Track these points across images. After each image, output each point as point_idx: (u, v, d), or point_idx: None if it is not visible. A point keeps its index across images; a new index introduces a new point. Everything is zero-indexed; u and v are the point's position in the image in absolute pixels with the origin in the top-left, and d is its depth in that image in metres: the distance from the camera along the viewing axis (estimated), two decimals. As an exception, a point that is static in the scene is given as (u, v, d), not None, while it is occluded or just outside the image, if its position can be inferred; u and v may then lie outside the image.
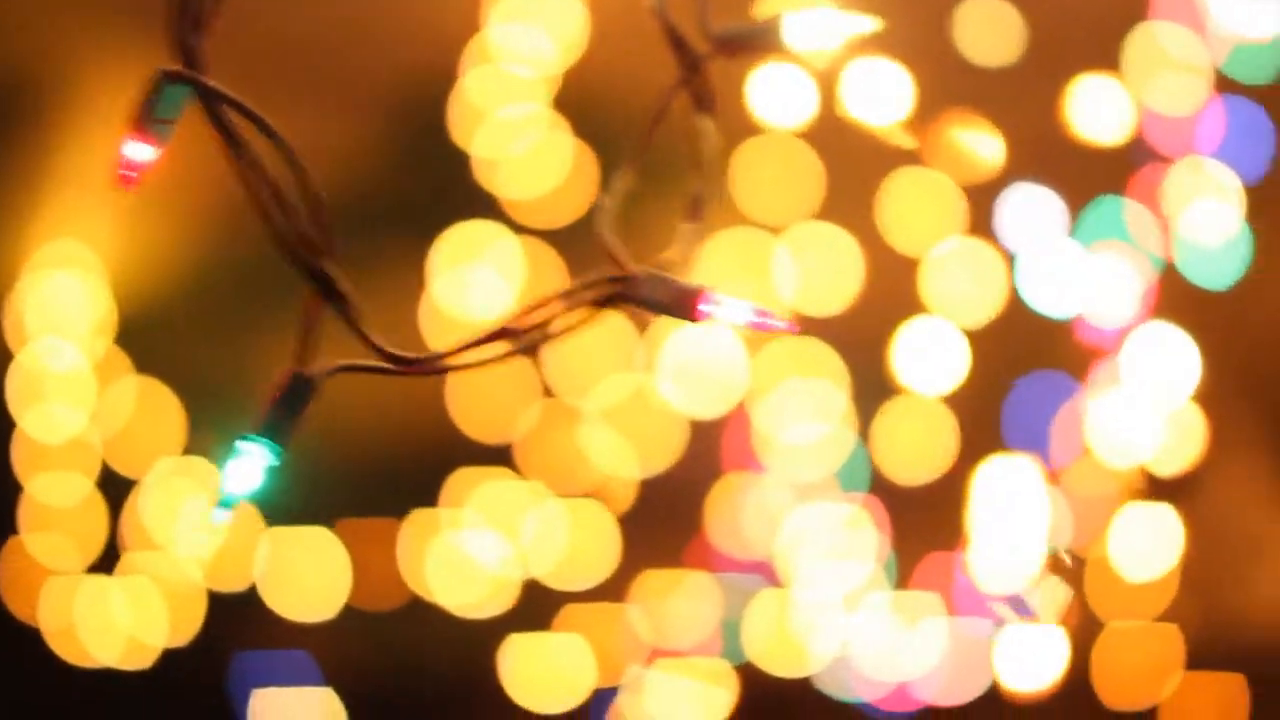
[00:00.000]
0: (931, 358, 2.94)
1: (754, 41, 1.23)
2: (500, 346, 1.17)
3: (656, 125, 1.21)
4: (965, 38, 2.85)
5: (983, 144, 2.89)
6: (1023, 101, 2.89)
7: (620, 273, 1.18)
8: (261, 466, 1.10)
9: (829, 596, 2.95)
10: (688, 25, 1.20)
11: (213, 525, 1.10)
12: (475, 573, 2.94)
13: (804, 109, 2.79)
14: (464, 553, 2.94)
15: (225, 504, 1.10)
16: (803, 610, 2.95)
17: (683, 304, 1.16)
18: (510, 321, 1.16)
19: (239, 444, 1.10)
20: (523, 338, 1.16)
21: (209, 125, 1.10)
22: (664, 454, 2.95)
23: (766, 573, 2.96)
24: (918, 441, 2.96)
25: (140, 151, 1.11)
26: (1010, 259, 2.94)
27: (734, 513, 2.96)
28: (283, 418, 1.11)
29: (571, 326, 1.17)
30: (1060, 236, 2.93)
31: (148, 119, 1.10)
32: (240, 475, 1.10)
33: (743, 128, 2.82)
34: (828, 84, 2.80)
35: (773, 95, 2.79)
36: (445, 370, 1.15)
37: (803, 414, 2.97)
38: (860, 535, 2.96)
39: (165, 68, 1.09)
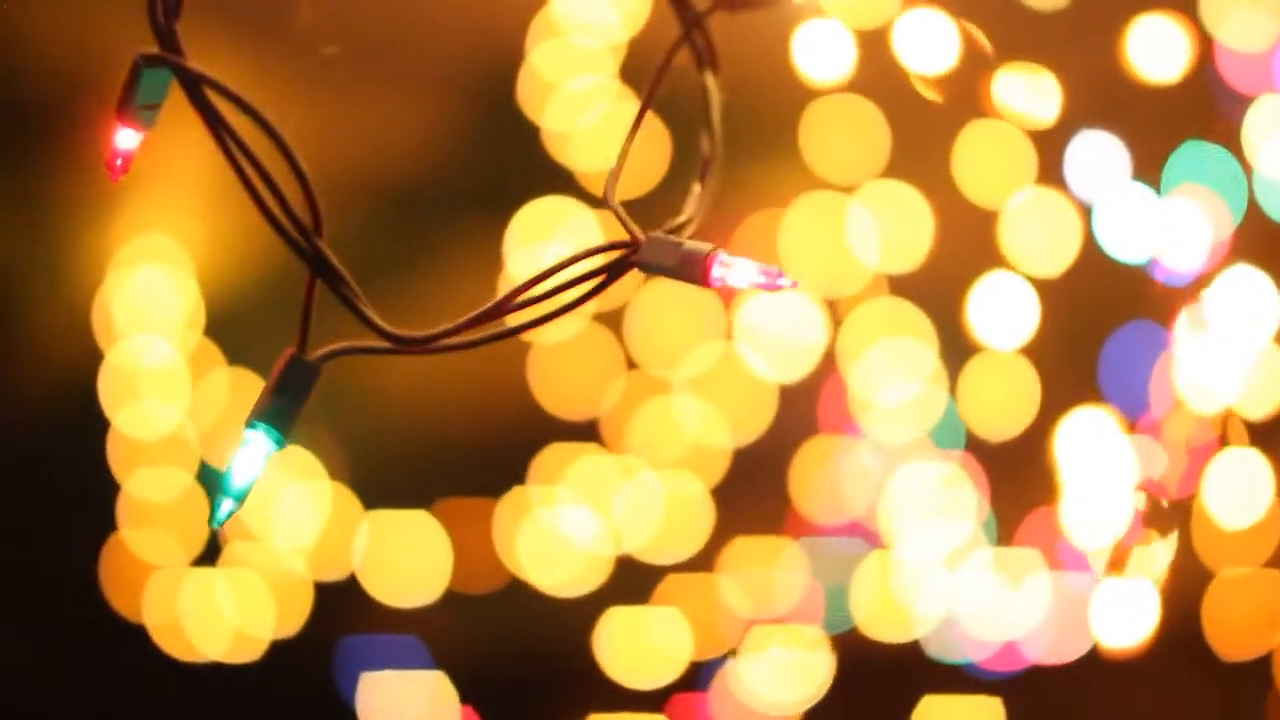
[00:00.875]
0: (1009, 311, 2.90)
1: (756, -9, 1.20)
2: (507, 321, 1.14)
3: (658, 85, 1.19)
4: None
5: (1043, 91, 2.85)
6: (1083, 44, 2.85)
7: (627, 239, 1.15)
8: (264, 455, 1.09)
9: (931, 557, 2.92)
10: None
11: (215, 523, 1.08)
12: (569, 551, 2.93)
13: (846, 65, 2.76)
14: (557, 531, 2.93)
15: (231, 495, 1.09)
16: (905, 572, 2.92)
17: (691, 267, 1.14)
18: (516, 295, 1.14)
19: (244, 432, 1.09)
20: (529, 309, 1.14)
21: (191, 106, 1.09)
22: (755, 422, 2.93)
23: (866, 536, 2.93)
24: (1002, 397, 2.92)
25: (127, 139, 1.11)
26: (1084, 208, 2.89)
27: (830, 477, 2.93)
28: (284, 403, 1.09)
29: (581, 297, 1.14)
30: (1131, 182, 2.89)
31: (130, 105, 1.09)
32: (244, 464, 1.09)
33: (801, 92, 2.79)
34: (878, 39, 2.76)
35: (817, 54, 2.76)
36: (449, 349, 1.14)
37: (894, 374, 2.94)
38: (958, 494, 2.93)
39: (142, 52, 1.08)
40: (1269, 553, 2.93)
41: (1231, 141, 2.89)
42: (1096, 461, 2.88)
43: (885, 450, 2.93)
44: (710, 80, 1.18)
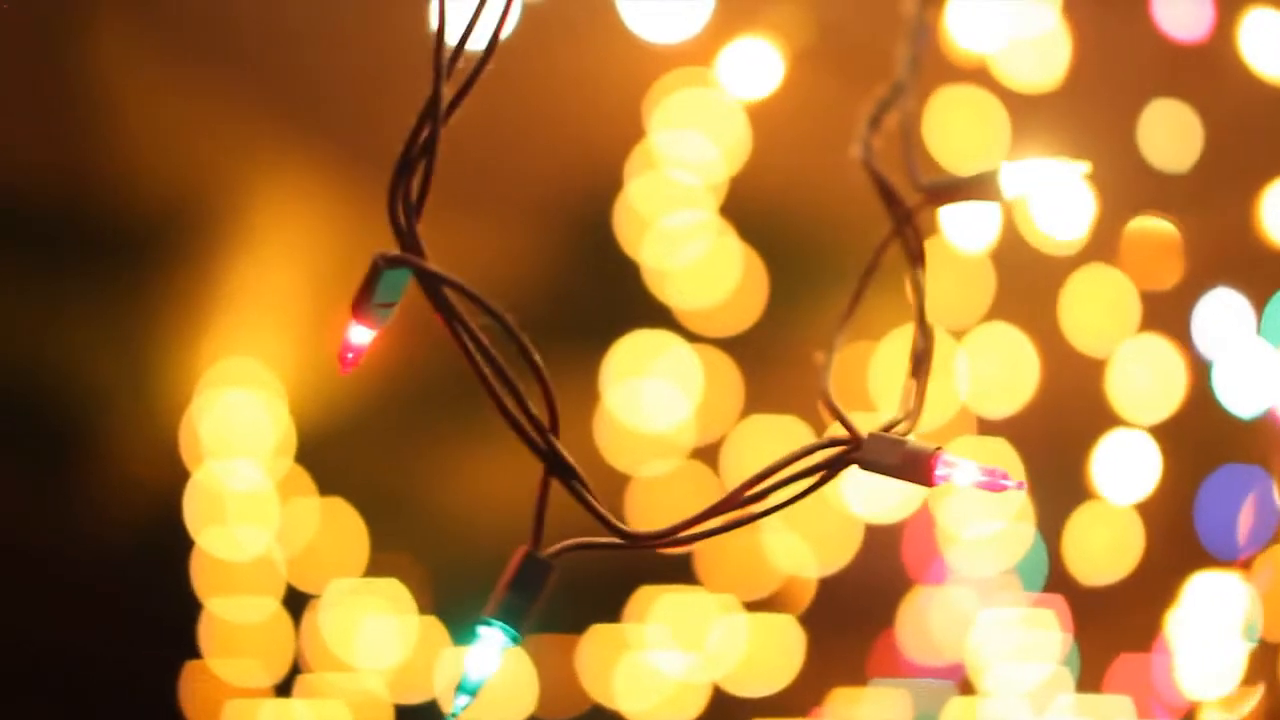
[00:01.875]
0: (1122, 463, 2.91)
1: (968, 192, 1.22)
2: (730, 516, 1.15)
3: (868, 280, 1.20)
4: (1149, 143, 2.83)
5: (1168, 248, 2.87)
6: (1207, 205, 2.86)
7: (846, 436, 1.16)
8: (499, 650, 1.10)
9: (1016, 699, 2.91)
10: (897, 177, 1.19)
11: (454, 715, 1.09)
12: (659, 682, 2.93)
13: (988, 231, 2.78)
14: (647, 663, 2.93)
15: (467, 690, 1.10)
16: (992, 713, 2.91)
17: (915, 467, 1.14)
18: (739, 491, 1.15)
19: (478, 629, 1.10)
20: (752, 506, 1.15)
21: (431, 307, 1.10)
22: (844, 556, 2.93)
23: (955, 676, 2.93)
24: (1107, 544, 2.92)
25: (361, 335, 1.11)
26: (1201, 361, 2.90)
27: (919, 614, 2.93)
28: (518, 600, 1.10)
29: (803, 492, 1.15)
30: (1251, 337, 2.90)
31: (368, 304, 1.10)
32: (479, 660, 1.09)
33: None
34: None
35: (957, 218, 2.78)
36: (676, 544, 1.15)
37: (983, 512, 2.94)
38: (1043, 634, 2.92)
39: (383, 253, 1.09)
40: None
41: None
42: (1207, 612, 2.88)
43: (972, 588, 2.93)
44: (919, 276, 1.19)
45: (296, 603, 2.93)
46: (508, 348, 1.12)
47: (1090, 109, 2.71)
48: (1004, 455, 2.94)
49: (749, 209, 2.91)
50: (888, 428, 1.17)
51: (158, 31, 2.90)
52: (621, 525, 1.13)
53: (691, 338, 2.91)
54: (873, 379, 2.94)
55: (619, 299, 2.93)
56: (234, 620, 2.93)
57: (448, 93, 1.11)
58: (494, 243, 2.93)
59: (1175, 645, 2.89)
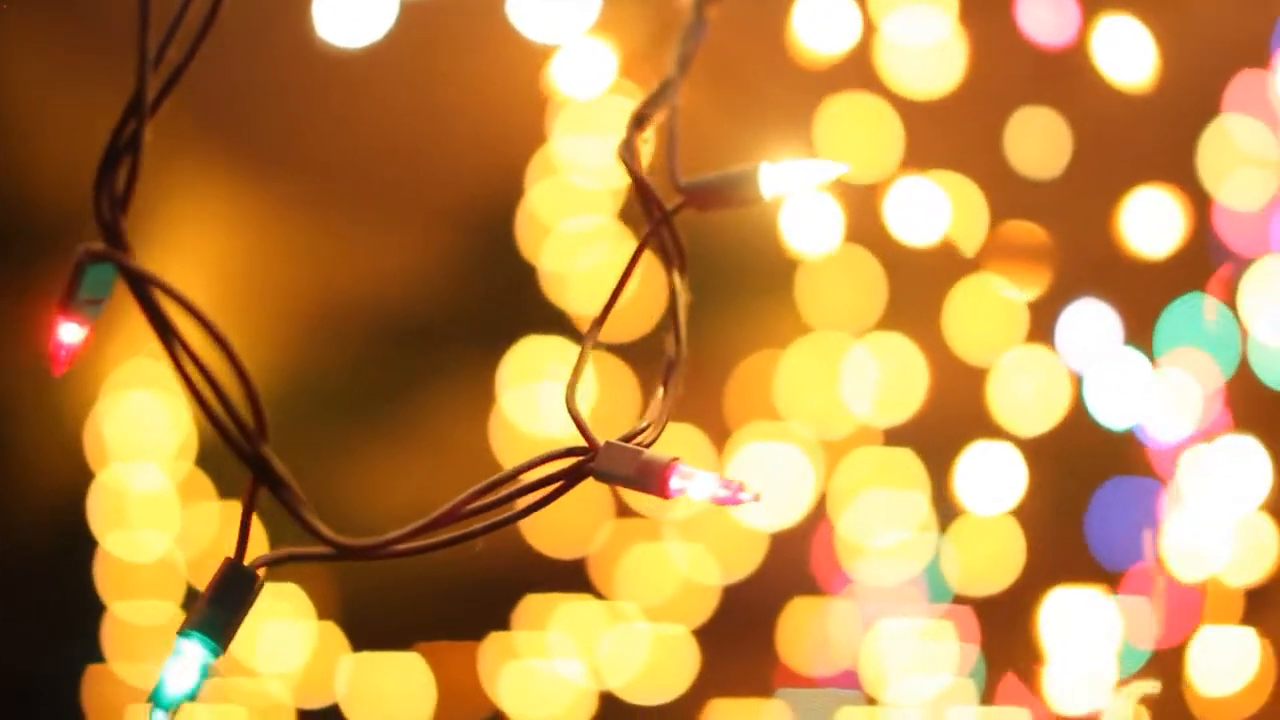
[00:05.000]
0: (996, 474, 2.89)
1: (727, 193, 1.19)
2: (459, 527, 1.12)
3: (624, 283, 1.17)
4: (1017, 151, 2.81)
5: (1038, 256, 2.85)
6: (1076, 213, 2.84)
7: (584, 445, 1.13)
8: (199, 665, 1.06)
9: (914, 710, 2.89)
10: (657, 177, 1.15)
11: None
12: (554, 690, 2.91)
13: (835, 236, 2.76)
14: (541, 672, 2.91)
15: (162, 705, 1.06)
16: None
17: (649, 478, 1.10)
18: (468, 500, 1.12)
19: (177, 641, 1.06)
20: (482, 517, 1.11)
21: (137, 306, 1.06)
22: (743, 566, 2.91)
23: (854, 684, 2.91)
24: (986, 555, 2.91)
25: (71, 333, 1.07)
26: (1074, 372, 2.88)
27: (817, 625, 2.91)
28: (220, 612, 1.06)
29: (535, 503, 1.12)
30: (1122, 347, 2.88)
31: (74, 299, 1.07)
32: (179, 674, 1.05)
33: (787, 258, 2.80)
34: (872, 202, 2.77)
35: (807, 222, 2.76)
36: (395, 555, 1.11)
37: (885, 522, 2.92)
38: (945, 647, 2.90)
39: (88, 246, 1.06)
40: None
41: (1229, 299, 2.88)
42: (1081, 626, 2.86)
43: (873, 598, 2.91)
44: (676, 280, 1.15)
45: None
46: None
47: (960, 114, 2.69)
48: (908, 465, 2.92)
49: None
50: (629, 437, 1.13)
51: (58, 22, 2.88)
52: (332, 535, 1.09)
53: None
54: (777, 388, 2.92)
55: (517, 303, 2.91)
56: (136, 623, 2.91)
57: (158, 85, 1.07)
58: (394, 247, 2.92)
59: (1056, 657, 2.88)
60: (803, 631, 2.91)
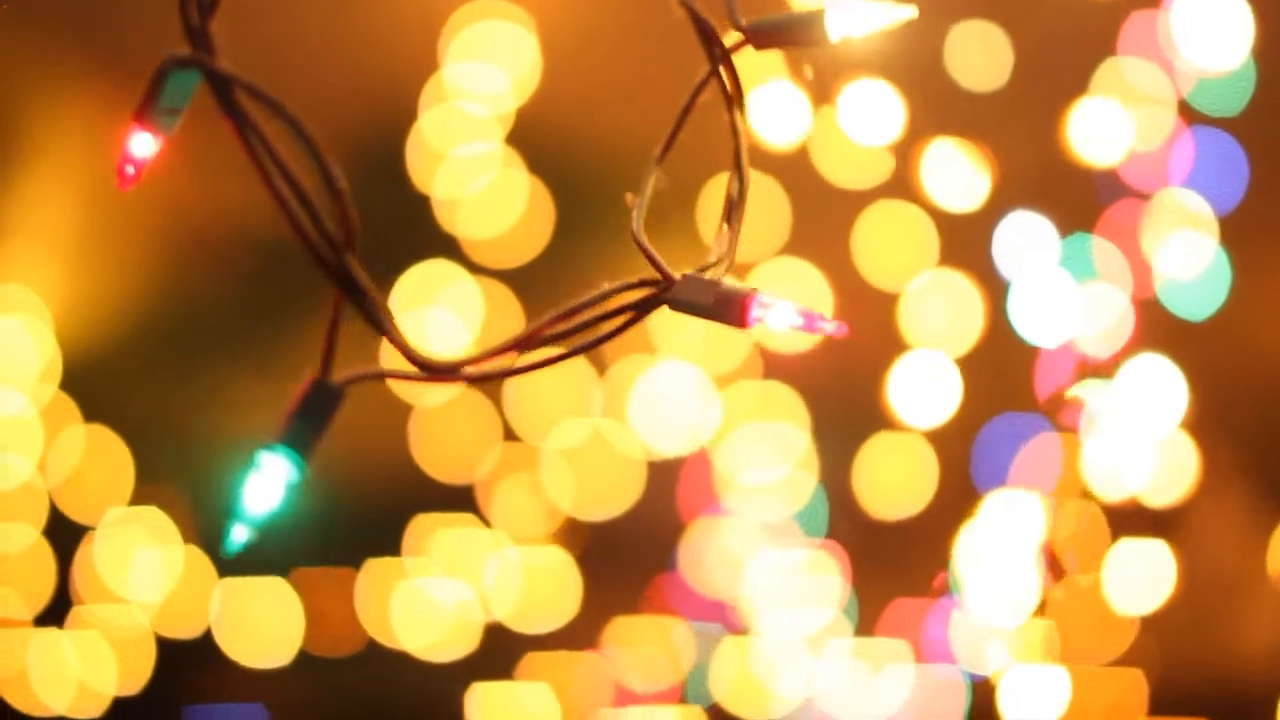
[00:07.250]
0: (914, 393, 2.91)
1: (791, 34, 1.16)
2: (535, 354, 1.09)
3: (684, 120, 1.14)
4: (956, 62, 2.82)
5: (972, 170, 2.87)
6: (1014, 126, 2.87)
7: (658, 277, 1.10)
8: (283, 482, 1.01)
9: (792, 641, 2.91)
10: (716, 17, 1.13)
11: (228, 552, 0.99)
12: (436, 616, 2.88)
13: (798, 129, 2.76)
14: (424, 597, 2.89)
15: (246, 523, 1.00)
16: (767, 654, 2.90)
17: (728, 307, 1.08)
18: (545, 327, 1.08)
19: (259, 456, 1.01)
20: (558, 343, 1.08)
21: (221, 111, 1.02)
22: (624, 496, 2.91)
23: (729, 616, 2.92)
24: (900, 479, 2.93)
25: (143, 145, 1.01)
26: (995, 289, 2.91)
27: (696, 556, 2.91)
28: (305, 428, 1.02)
29: (609, 333, 1.09)
30: (1050, 265, 2.91)
31: (153, 107, 1.01)
32: (260, 491, 0.99)
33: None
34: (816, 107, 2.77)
35: (764, 115, 2.76)
36: (477, 378, 1.08)
37: (763, 456, 2.93)
38: (821, 580, 2.92)
39: (174, 52, 1.00)
40: (1125, 650, 2.95)
41: (1128, 236, 2.93)
42: (994, 547, 2.90)
43: (750, 531, 2.92)
44: (738, 119, 1.13)
45: (59, 533, 2.85)
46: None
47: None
48: (789, 401, 2.94)
49: (536, 140, 2.88)
50: (701, 270, 1.11)
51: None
52: (418, 353, 1.06)
53: (475, 269, 2.87)
54: (657, 319, 2.91)
55: (407, 231, 2.88)
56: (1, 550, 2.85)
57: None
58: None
59: (963, 580, 2.91)
60: (681, 563, 2.92)
